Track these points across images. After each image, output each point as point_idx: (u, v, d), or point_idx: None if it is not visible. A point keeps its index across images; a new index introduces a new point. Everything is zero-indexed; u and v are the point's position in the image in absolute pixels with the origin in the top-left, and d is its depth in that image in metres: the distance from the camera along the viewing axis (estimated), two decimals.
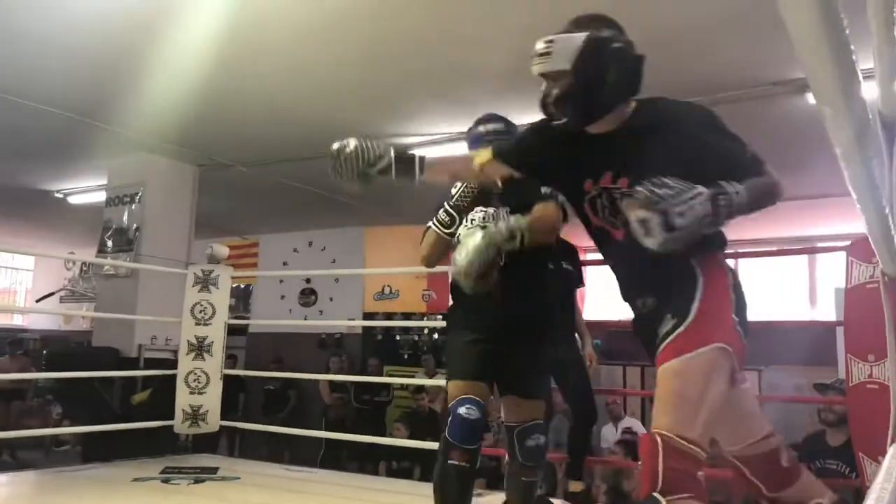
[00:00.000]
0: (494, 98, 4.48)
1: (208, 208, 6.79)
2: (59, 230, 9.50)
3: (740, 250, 8.08)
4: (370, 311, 8.32)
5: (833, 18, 0.42)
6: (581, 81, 1.59)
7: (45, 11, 3.54)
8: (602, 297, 9.20)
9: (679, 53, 3.79)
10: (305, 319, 8.59)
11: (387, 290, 8.30)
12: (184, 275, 4.51)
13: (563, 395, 3.57)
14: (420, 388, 6.64)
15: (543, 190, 2.25)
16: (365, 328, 8.37)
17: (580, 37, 1.63)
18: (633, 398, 7.25)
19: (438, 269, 2.71)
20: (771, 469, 1.71)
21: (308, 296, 8.84)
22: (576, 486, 3.61)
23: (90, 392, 5.06)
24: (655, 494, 1.35)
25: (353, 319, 8.17)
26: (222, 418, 4.45)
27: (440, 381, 3.03)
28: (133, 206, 6.02)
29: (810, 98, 2.80)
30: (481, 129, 2.42)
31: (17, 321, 12.13)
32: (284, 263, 8.91)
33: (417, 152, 1.90)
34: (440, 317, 5.97)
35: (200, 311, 4.38)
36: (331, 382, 7.36)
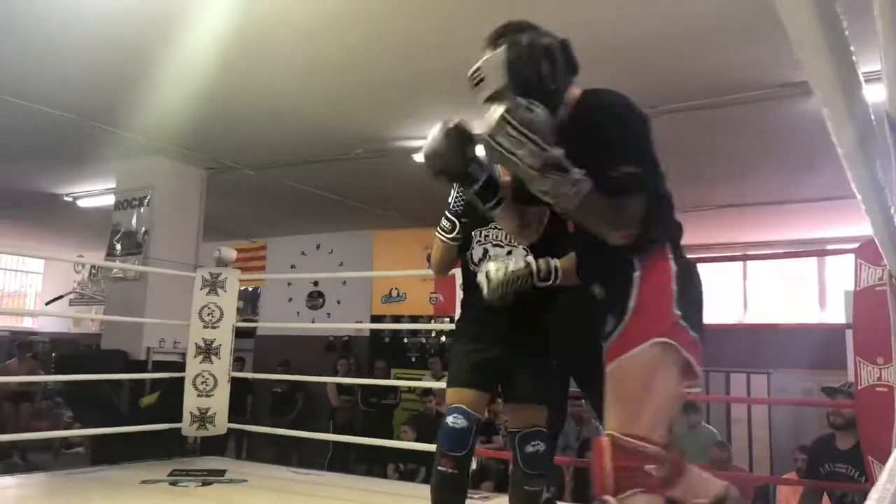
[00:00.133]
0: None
1: (216, 211, 6.82)
2: (68, 233, 9.55)
3: (749, 252, 8.10)
4: (378, 314, 8.32)
5: (832, 20, 0.42)
6: (522, 87, 1.62)
7: (52, 16, 3.56)
8: None
9: (684, 56, 3.79)
10: (313, 322, 8.61)
11: (394, 293, 8.30)
12: (192, 278, 4.53)
13: (590, 403, 3.51)
14: (427, 391, 6.63)
15: None
16: (372, 331, 8.37)
17: (501, 51, 1.71)
18: None
19: None
20: None
21: (316, 298, 8.86)
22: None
23: (99, 395, 5.08)
24: (606, 497, 1.37)
25: (360, 322, 8.17)
26: (230, 421, 4.46)
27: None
28: (142, 210, 6.05)
29: (817, 100, 2.82)
30: None
31: (27, 324, 12.21)
32: (292, 266, 8.94)
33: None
34: (448, 320, 5.96)
35: (208, 314, 4.40)
36: (338, 385, 7.37)
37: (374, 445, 5.16)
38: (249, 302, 9.34)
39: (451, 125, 1.87)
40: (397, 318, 8.12)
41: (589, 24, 3.49)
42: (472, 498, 3.54)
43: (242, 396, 6.96)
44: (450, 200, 2.33)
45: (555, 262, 2.17)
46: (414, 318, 8.01)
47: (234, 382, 4.52)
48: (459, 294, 2.88)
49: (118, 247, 6.15)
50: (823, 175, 4.34)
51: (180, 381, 4.36)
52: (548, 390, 2.44)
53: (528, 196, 1.62)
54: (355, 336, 8.51)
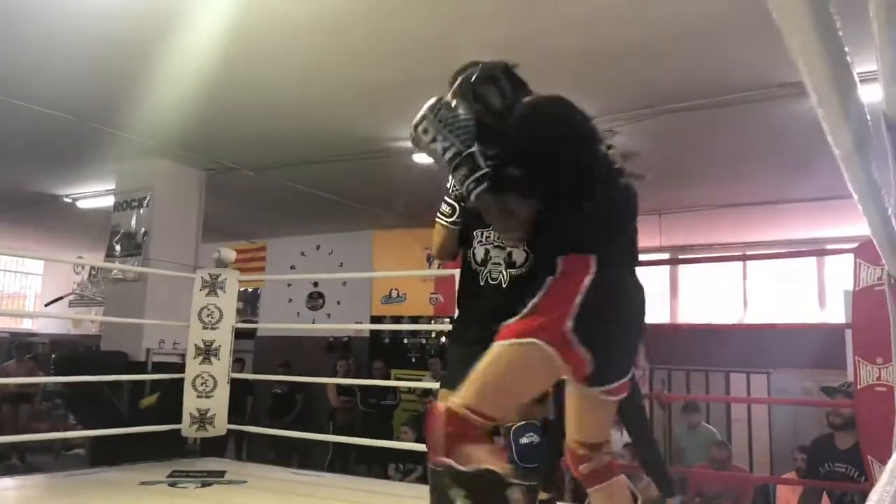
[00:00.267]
0: None
1: (216, 212, 6.82)
2: (67, 235, 9.55)
3: (749, 252, 8.10)
4: (378, 315, 8.32)
5: (826, 21, 0.42)
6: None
7: (50, 16, 3.56)
8: None
9: (682, 57, 3.79)
10: (313, 323, 8.61)
11: (394, 294, 8.30)
12: (191, 279, 4.53)
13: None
14: (427, 392, 6.64)
15: None
16: (372, 332, 8.37)
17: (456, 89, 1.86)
18: None
19: (446, 272, 2.76)
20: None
21: (316, 299, 8.86)
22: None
23: (98, 396, 5.08)
24: (439, 458, 1.52)
25: (360, 323, 8.17)
26: (230, 422, 4.46)
27: None
28: (141, 211, 6.05)
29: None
30: None
31: (27, 325, 12.21)
32: (292, 267, 8.94)
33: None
34: (448, 320, 5.96)
35: (208, 315, 4.40)
36: (338, 386, 7.37)
37: (374, 446, 5.16)
38: (249, 303, 9.33)
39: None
40: (397, 319, 8.12)
41: (587, 26, 3.49)
42: None
43: (242, 397, 6.96)
44: (448, 185, 2.36)
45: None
46: (414, 319, 8.01)
47: (234, 383, 4.52)
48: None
49: (118, 248, 6.15)
50: (822, 175, 4.33)
51: (180, 383, 4.36)
52: None
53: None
54: (355, 337, 8.51)
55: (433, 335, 8.10)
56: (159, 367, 5.34)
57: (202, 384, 4.33)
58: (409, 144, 6.16)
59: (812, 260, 7.97)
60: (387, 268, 7.74)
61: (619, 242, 1.67)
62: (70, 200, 7.45)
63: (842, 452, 3.81)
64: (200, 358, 4.35)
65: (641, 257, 1.79)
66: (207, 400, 4.33)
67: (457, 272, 2.64)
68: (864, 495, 3.42)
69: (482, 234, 2.42)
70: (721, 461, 5.14)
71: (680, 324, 7.56)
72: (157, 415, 4.71)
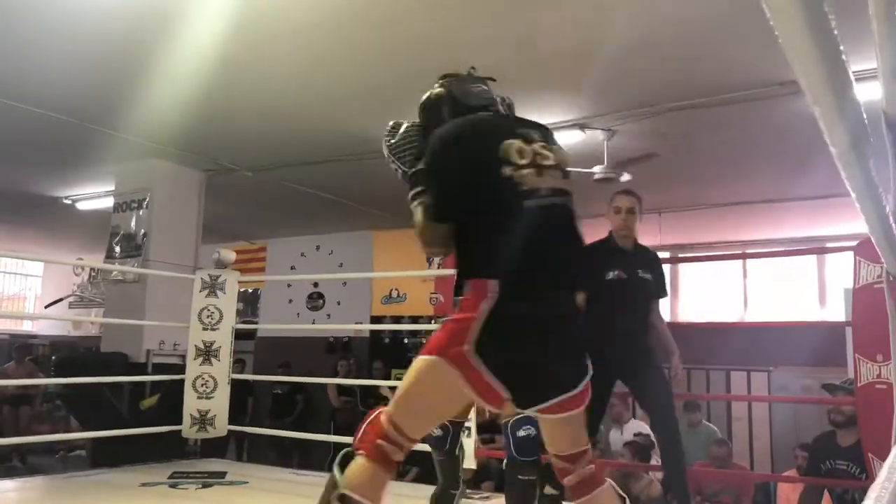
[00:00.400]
0: None
1: (215, 213, 6.82)
2: (67, 236, 9.55)
3: (749, 251, 8.10)
4: (378, 315, 8.32)
5: (821, 22, 0.42)
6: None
7: (48, 18, 3.56)
8: None
9: (683, 54, 3.79)
10: (313, 323, 8.61)
11: (394, 294, 8.30)
12: (191, 280, 4.53)
13: (643, 408, 3.46)
14: None
15: None
16: (372, 332, 8.37)
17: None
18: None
19: (446, 272, 2.80)
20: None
21: (316, 300, 8.86)
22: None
23: (99, 397, 5.08)
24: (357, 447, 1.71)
25: (360, 323, 8.17)
26: (230, 423, 4.46)
27: None
28: (140, 212, 6.05)
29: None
30: None
31: (27, 327, 12.20)
32: (292, 268, 8.93)
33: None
34: None
35: (208, 316, 4.40)
36: (339, 386, 7.37)
37: None
38: (249, 304, 9.33)
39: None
40: (397, 319, 8.11)
41: (587, 25, 3.49)
42: (472, 498, 3.54)
43: (243, 398, 6.96)
44: None
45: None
46: (414, 319, 8.01)
47: (235, 384, 4.52)
48: None
49: (117, 249, 6.15)
50: (822, 172, 4.33)
51: (180, 384, 4.36)
52: None
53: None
54: (355, 337, 8.51)
55: None
56: (159, 369, 5.34)
57: (203, 385, 4.33)
58: None
59: (812, 258, 7.97)
60: (387, 268, 7.74)
61: (534, 266, 1.65)
62: (69, 202, 7.45)
63: (843, 450, 3.81)
64: (201, 359, 4.35)
65: None
66: (208, 401, 4.33)
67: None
68: (866, 493, 3.42)
69: None
70: (722, 459, 5.15)
71: (681, 322, 7.55)
72: (158, 416, 4.71)
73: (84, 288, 11.07)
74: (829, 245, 7.26)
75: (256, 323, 8.95)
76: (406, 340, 8.37)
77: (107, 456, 4.49)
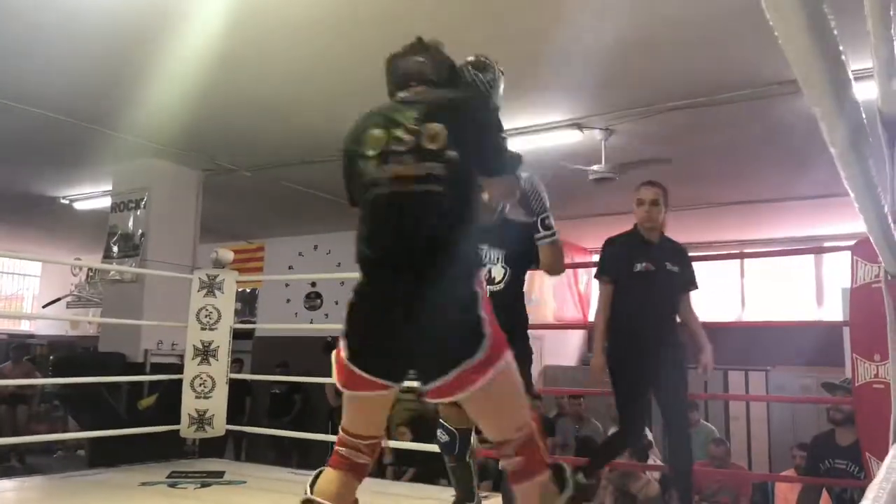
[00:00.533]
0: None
1: (213, 213, 6.81)
2: (65, 236, 9.54)
3: (746, 250, 8.11)
4: None
5: (821, 21, 0.42)
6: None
7: (45, 17, 3.56)
8: None
9: (682, 52, 3.79)
10: (311, 323, 8.60)
11: None
12: (189, 280, 4.53)
13: (658, 403, 3.27)
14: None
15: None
16: None
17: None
18: None
19: None
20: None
21: (314, 299, 8.85)
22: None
23: (97, 397, 5.08)
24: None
25: None
26: (228, 422, 4.45)
27: None
28: (138, 212, 6.04)
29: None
30: None
31: (25, 327, 12.19)
32: (290, 267, 8.93)
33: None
34: None
35: (206, 316, 4.39)
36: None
37: None
38: (247, 303, 9.32)
39: None
40: None
41: (588, 22, 3.49)
42: (448, 493, 3.54)
43: (241, 398, 6.96)
44: None
45: None
46: None
47: (233, 384, 4.52)
48: None
49: (115, 249, 6.14)
50: (820, 172, 4.32)
51: (178, 383, 4.36)
52: (525, 377, 2.55)
53: None
54: None
55: None
56: (157, 368, 5.34)
57: (201, 385, 4.33)
58: None
59: (810, 257, 7.99)
60: None
61: (370, 255, 1.74)
62: (67, 202, 7.44)
63: (842, 449, 3.82)
64: (199, 359, 4.35)
65: None
66: (206, 401, 4.33)
67: None
68: (864, 492, 3.43)
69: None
70: (719, 458, 5.16)
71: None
72: (156, 416, 4.71)
73: (82, 288, 11.06)
74: (826, 245, 7.28)
75: (254, 323, 8.95)
76: None
77: (105, 456, 4.48)
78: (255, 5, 3.41)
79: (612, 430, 5.96)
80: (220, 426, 4.37)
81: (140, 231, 6.00)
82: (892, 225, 1.07)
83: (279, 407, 7.80)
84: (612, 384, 3.22)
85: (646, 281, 3.13)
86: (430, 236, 1.72)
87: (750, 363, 7.15)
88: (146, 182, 6.04)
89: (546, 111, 4.68)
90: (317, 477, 1.84)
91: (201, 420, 4.30)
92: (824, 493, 4.11)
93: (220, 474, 3.87)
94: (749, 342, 6.72)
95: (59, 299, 10.49)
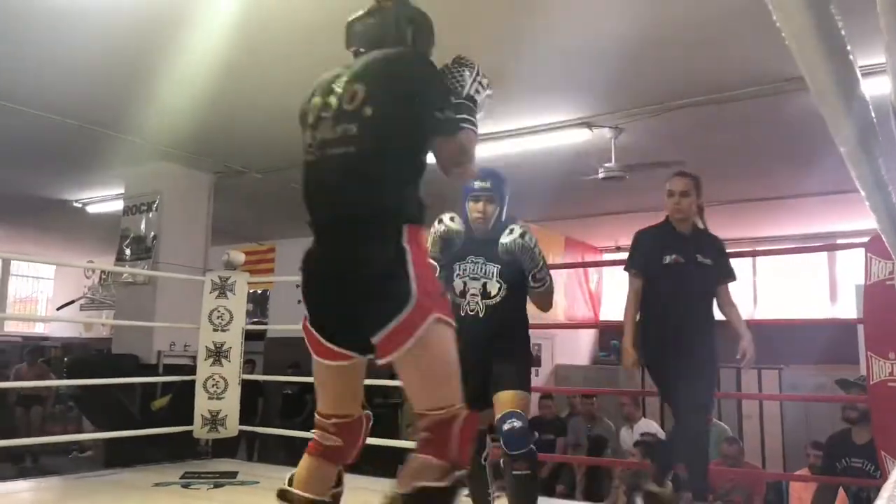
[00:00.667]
0: (507, 102, 4.48)
1: (224, 215, 6.84)
2: (78, 239, 9.61)
3: (758, 248, 8.05)
4: None
5: (827, 21, 0.42)
6: None
7: (56, 23, 3.59)
8: (620, 298, 9.16)
9: (691, 50, 3.77)
10: None
11: None
12: (201, 281, 4.56)
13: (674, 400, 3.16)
14: None
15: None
16: None
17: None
18: (651, 400, 7.20)
19: None
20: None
21: None
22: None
23: (111, 398, 5.12)
24: None
25: None
26: (241, 423, 4.48)
27: None
28: (150, 215, 6.08)
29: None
30: (476, 184, 2.74)
31: (39, 329, 12.29)
32: (300, 268, 8.94)
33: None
34: None
35: (218, 318, 4.42)
36: None
37: (383, 446, 5.15)
38: (258, 304, 9.36)
39: None
40: None
41: (594, 19, 3.48)
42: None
43: (253, 399, 6.98)
44: (429, 242, 2.69)
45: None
46: None
47: (245, 385, 4.54)
48: None
49: (128, 252, 6.18)
50: (833, 168, 4.28)
51: (191, 384, 4.38)
52: (517, 378, 2.62)
53: None
54: None
55: None
56: (170, 370, 5.37)
57: (213, 386, 4.35)
58: None
59: (823, 254, 7.93)
60: None
61: (311, 215, 1.80)
62: (80, 205, 7.50)
63: (858, 448, 3.79)
64: (211, 360, 4.38)
65: None
66: (219, 401, 4.35)
67: None
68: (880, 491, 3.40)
69: (460, 266, 2.71)
70: (732, 457, 5.12)
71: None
72: (169, 417, 4.74)
73: (95, 290, 11.14)
74: (840, 241, 7.21)
75: (266, 323, 8.98)
76: None
77: (119, 456, 4.52)
78: (263, 11, 3.42)
79: (623, 429, 5.94)
80: (232, 427, 4.39)
81: (152, 233, 6.03)
82: None
83: (291, 407, 7.81)
84: (653, 380, 3.14)
85: (675, 274, 3.02)
86: (349, 197, 1.71)
87: (763, 361, 7.08)
88: (158, 185, 6.07)
89: (555, 110, 4.67)
90: None
91: (214, 421, 4.32)
92: (841, 493, 4.08)
93: (234, 475, 3.89)
94: (762, 340, 6.65)
95: (72, 302, 10.57)
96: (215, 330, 4.39)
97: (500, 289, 2.65)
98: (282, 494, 1.76)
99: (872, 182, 0.78)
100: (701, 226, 3.24)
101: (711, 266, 3.09)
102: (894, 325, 3.08)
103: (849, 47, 0.50)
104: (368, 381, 5.95)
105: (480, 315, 2.64)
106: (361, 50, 1.90)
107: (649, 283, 3.10)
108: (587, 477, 5.68)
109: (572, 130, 4.87)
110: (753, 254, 8.34)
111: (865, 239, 3.37)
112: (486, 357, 2.64)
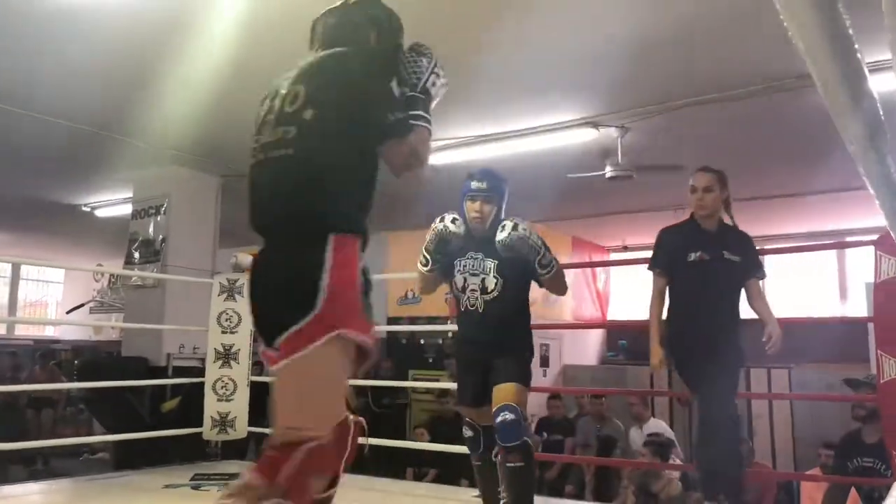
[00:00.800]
0: (512, 101, 4.48)
1: (232, 217, 6.85)
2: (87, 243, 9.66)
3: (767, 246, 8.00)
4: (394, 316, 8.33)
5: (834, 21, 0.42)
6: None
7: (63, 28, 3.60)
8: (627, 297, 9.14)
9: (697, 48, 3.76)
10: None
11: (410, 295, 8.31)
12: (210, 284, 4.57)
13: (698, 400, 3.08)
14: (445, 392, 6.64)
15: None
16: (389, 333, 8.38)
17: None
18: (660, 400, 7.19)
19: None
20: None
21: None
22: None
23: (121, 401, 5.14)
24: None
25: (377, 324, 8.16)
26: (250, 425, 4.49)
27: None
28: (158, 218, 6.11)
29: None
30: (473, 184, 2.83)
31: (49, 333, 12.36)
32: None
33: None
34: None
35: (227, 320, 4.43)
36: (355, 387, 7.38)
37: (392, 447, 5.16)
38: None
39: None
40: (414, 320, 8.12)
41: (599, 19, 3.48)
42: (469, 495, 3.54)
43: (262, 400, 6.98)
44: (427, 237, 2.88)
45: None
46: (431, 320, 8.02)
47: (254, 386, 4.55)
48: None
49: (136, 255, 6.21)
50: (841, 165, 4.27)
51: (200, 386, 4.40)
52: (513, 370, 2.67)
53: None
54: None
55: (450, 335, 8.09)
56: (180, 372, 5.39)
57: (222, 388, 4.37)
58: None
59: (832, 252, 7.88)
60: (402, 269, 7.74)
61: (249, 218, 1.78)
62: (88, 209, 7.54)
63: (869, 447, 3.78)
64: (220, 362, 4.39)
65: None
66: (228, 403, 4.37)
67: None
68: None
69: (460, 263, 2.81)
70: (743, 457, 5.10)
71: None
72: (179, 418, 4.75)
73: (104, 293, 11.19)
74: (849, 239, 7.17)
75: None
76: (423, 341, 8.38)
77: (129, 458, 4.54)
78: (270, 12, 3.43)
79: (632, 429, 5.92)
80: (241, 428, 4.41)
81: (161, 237, 6.06)
82: None
83: None
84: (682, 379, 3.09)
85: (700, 272, 2.96)
86: (277, 202, 1.70)
87: (772, 360, 7.06)
88: (166, 188, 6.10)
89: (561, 110, 4.67)
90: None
91: (223, 422, 4.34)
92: (853, 493, 4.06)
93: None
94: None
95: (82, 305, 10.61)
96: (224, 332, 4.41)
97: (496, 284, 2.71)
98: None
99: (881, 179, 0.77)
100: (728, 221, 3.14)
101: (739, 263, 3.00)
102: None
103: (856, 45, 0.50)
104: (375, 382, 5.96)
105: (480, 310, 2.73)
106: (315, 48, 1.87)
107: (674, 282, 3.04)
108: (596, 477, 5.67)
109: (578, 130, 4.87)
110: (762, 252, 8.31)
111: (875, 236, 3.35)
112: (486, 354, 2.71)
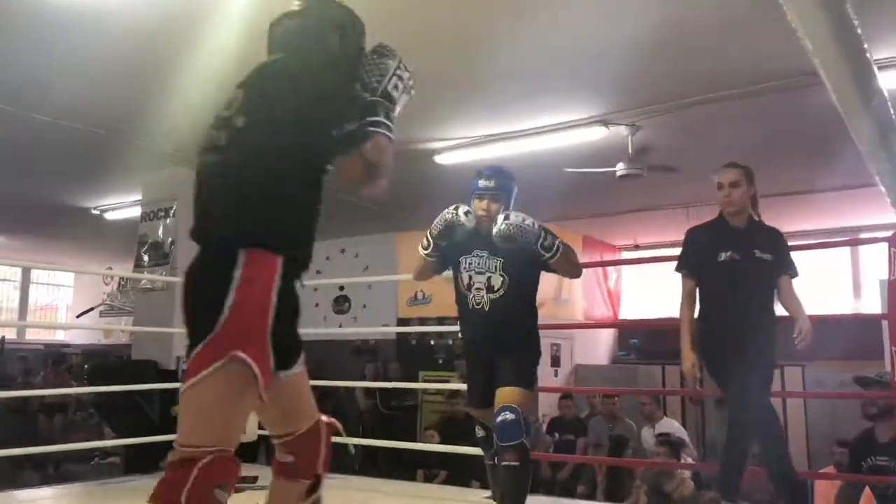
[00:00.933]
0: (522, 99, 4.46)
1: None
2: (96, 246, 9.70)
3: None
4: (404, 317, 8.31)
5: (843, 22, 0.39)
6: None
7: (72, 32, 3.61)
8: (639, 296, 9.09)
9: (717, 43, 3.72)
10: (340, 327, 8.63)
11: (420, 296, 8.29)
12: None
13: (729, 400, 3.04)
14: (455, 393, 6.61)
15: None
16: (399, 334, 8.37)
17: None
18: (671, 399, 7.13)
19: None
20: None
21: (342, 303, 8.88)
22: None
23: (131, 405, 5.14)
24: None
25: (387, 326, 8.17)
26: (260, 428, 4.47)
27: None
28: (167, 221, 6.11)
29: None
30: (481, 182, 2.80)
31: (60, 336, 12.42)
32: (318, 272, 8.96)
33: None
34: None
35: None
36: (366, 389, 7.38)
37: (403, 449, 5.14)
38: None
39: None
40: (424, 321, 8.09)
41: (612, 17, 3.45)
42: (479, 496, 3.51)
43: None
44: (434, 222, 2.81)
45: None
46: (441, 320, 7.99)
47: None
48: None
49: (146, 258, 6.22)
50: (855, 161, 4.23)
51: None
52: (518, 375, 2.66)
53: None
54: (382, 340, 8.51)
55: (460, 336, 8.07)
56: None
57: None
58: (430, 146, 6.16)
59: (846, 249, 7.81)
60: (412, 270, 7.72)
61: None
62: (98, 212, 7.57)
63: (882, 446, 3.73)
64: None
65: (670, 252, 1.70)
66: None
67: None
68: None
69: (466, 260, 2.77)
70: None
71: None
72: None
73: (114, 297, 11.23)
74: (863, 236, 7.10)
75: None
76: (433, 342, 8.36)
77: (140, 462, 4.54)
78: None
79: (644, 429, 5.87)
80: (252, 431, 4.38)
81: (170, 239, 6.06)
82: None
83: None
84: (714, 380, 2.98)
85: (731, 272, 2.87)
86: (198, 211, 1.62)
87: (785, 358, 6.99)
88: (175, 191, 6.10)
89: (571, 108, 4.64)
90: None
91: None
92: (867, 492, 4.01)
93: (254, 479, 3.88)
94: (784, 337, 6.58)
95: (91, 309, 10.66)
96: None
97: (503, 282, 2.69)
98: None
99: (892, 177, 0.74)
100: (756, 218, 3.06)
101: (770, 261, 2.92)
102: None
103: (866, 45, 0.47)
104: (382, 384, 5.93)
105: (486, 309, 2.71)
106: (270, 53, 1.77)
107: (704, 282, 2.94)
108: (608, 477, 5.63)
109: (589, 128, 4.84)
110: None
111: (889, 233, 3.31)
112: (492, 354, 2.72)
